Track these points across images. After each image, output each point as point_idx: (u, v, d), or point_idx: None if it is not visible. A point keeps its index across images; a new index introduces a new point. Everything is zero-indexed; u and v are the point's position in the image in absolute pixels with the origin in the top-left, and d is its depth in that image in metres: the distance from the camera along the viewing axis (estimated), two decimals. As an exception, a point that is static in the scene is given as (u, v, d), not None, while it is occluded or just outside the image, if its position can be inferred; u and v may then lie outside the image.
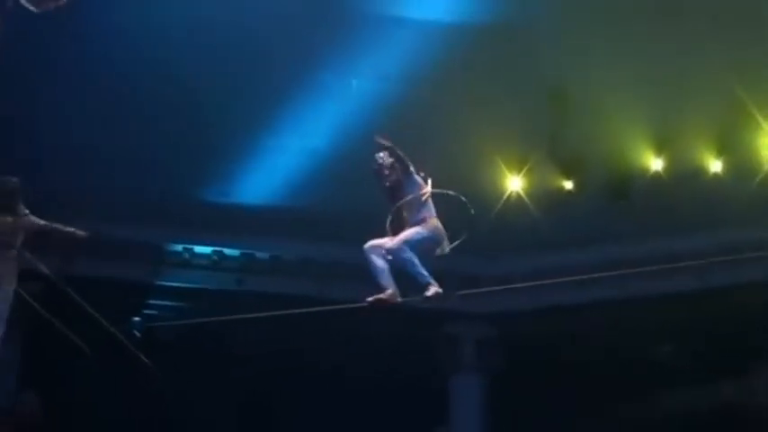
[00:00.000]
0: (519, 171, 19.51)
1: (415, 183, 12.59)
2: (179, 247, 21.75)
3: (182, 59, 18.00)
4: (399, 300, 12.41)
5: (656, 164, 19.47)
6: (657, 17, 17.63)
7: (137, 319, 18.26)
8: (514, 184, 19.62)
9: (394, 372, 21.76)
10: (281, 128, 19.49)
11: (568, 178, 19.64)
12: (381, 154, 12.59)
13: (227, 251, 21.85)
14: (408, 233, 12.38)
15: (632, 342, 21.51)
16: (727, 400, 22.24)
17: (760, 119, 18.74)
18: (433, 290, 12.34)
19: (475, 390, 22.61)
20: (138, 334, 14.62)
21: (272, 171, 20.25)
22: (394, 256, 12.30)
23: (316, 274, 21.03)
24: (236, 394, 22.50)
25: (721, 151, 19.36)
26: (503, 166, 19.46)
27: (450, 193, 12.81)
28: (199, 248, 21.80)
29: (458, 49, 18.02)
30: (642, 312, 21.06)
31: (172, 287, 21.79)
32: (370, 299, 12.41)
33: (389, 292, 12.32)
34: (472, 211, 12.82)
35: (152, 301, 21.61)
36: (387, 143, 12.41)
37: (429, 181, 12.67)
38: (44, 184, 17.84)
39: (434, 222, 12.60)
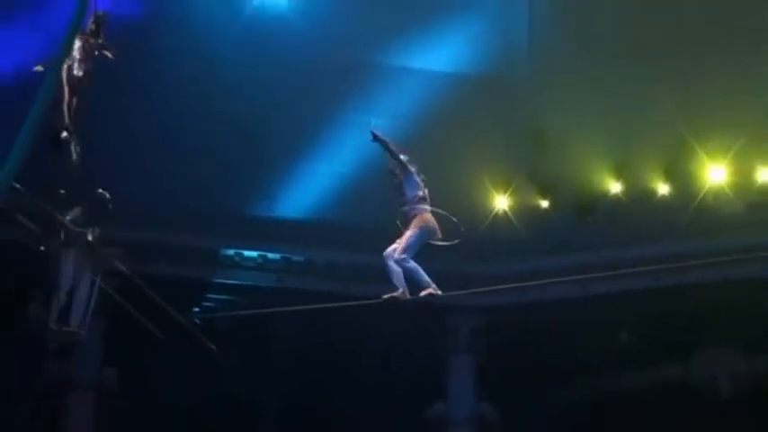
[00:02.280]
0: (505, 192, 19.58)
1: (413, 182, 12.45)
2: (231, 252, 21.63)
3: (236, 101, 18.20)
4: (408, 297, 12.42)
5: (615, 187, 19.57)
6: (615, 70, 17.77)
7: (197, 309, 18.41)
8: (501, 202, 19.70)
9: (402, 354, 21.70)
10: (314, 155, 19.61)
11: (545, 198, 19.67)
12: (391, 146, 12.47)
13: (269, 255, 21.72)
14: (404, 240, 12.32)
15: (595, 331, 21.44)
16: (673, 379, 22.15)
17: (700, 151, 18.81)
18: (430, 290, 12.34)
19: (468, 369, 22.53)
20: (198, 322, 14.64)
21: (306, 190, 20.34)
22: (399, 266, 12.32)
23: (342, 275, 20.97)
24: (278, 370, 22.43)
25: (668, 177, 19.45)
26: (491, 187, 19.53)
27: (442, 212, 12.82)
28: (247, 253, 21.68)
29: (456, 94, 18.17)
30: (603, 307, 20.97)
31: (225, 284, 21.70)
32: (384, 296, 12.44)
33: (400, 291, 12.33)
34: (462, 229, 12.85)
35: (209, 296, 21.61)
36: (380, 137, 12.29)
37: (424, 185, 12.59)
38: (123, 198, 18.15)
39: (424, 218, 12.42)
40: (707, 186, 19.13)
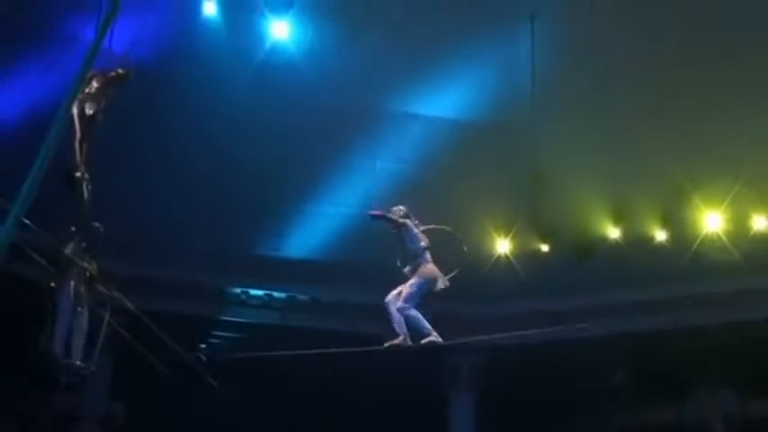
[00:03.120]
0: (506, 236, 19.43)
1: (413, 235, 12.57)
2: (237, 290, 21.63)
3: (245, 143, 18.15)
4: (409, 344, 12.42)
5: (614, 232, 19.40)
6: (613, 119, 17.73)
7: (203, 346, 18.22)
8: (503, 246, 19.52)
9: (407, 391, 21.58)
10: (320, 197, 19.51)
11: (545, 242, 19.51)
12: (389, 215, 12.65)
13: (275, 294, 21.73)
14: (406, 289, 12.41)
15: (592, 371, 21.30)
16: (668, 421, 22.01)
17: (696, 198, 18.73)
18: (431, 338, 12.38)
19: (469, 407, 22.49)
20: (204, 358, 14.48)
21: (311, 231, 20.24)
22: (401, 314, 12.35)
23: (347, 313, 20.91)
24: (282, 404, 22.28)
25: (665, 224, 19.33)
26: (493, 232, 19.40)
27: (447, 228, 12.84)
28: (253, 291, 21.68)
29: (459, 140, 18.12)
30: (601, 348, 20.87)
31: (231, 321, 21.67)
32: (386, 344, 12.49)
33: (401, 338, 12.36)
34: (465, 248, 12.81)
35: (215, 332, 21.50)
36: (377, 215, 12.66)
37: (423, 236, 12.68)
38: (133, 236, 18.02)
39: (427, 269, 12.52)
40: (703, 233, 18.99)
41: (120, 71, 12.60)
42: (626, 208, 19.24)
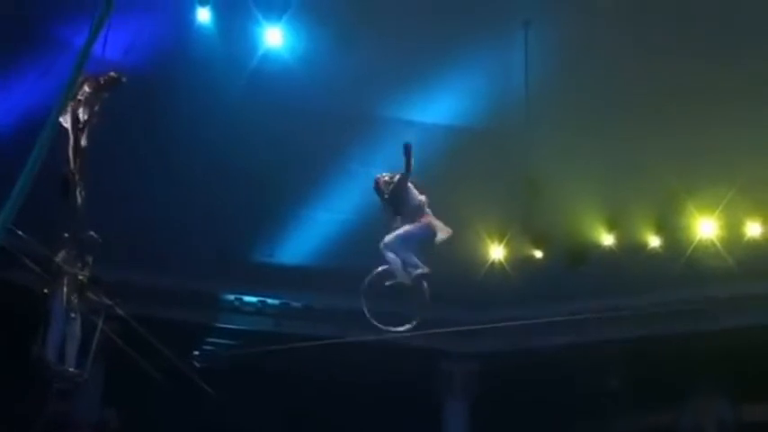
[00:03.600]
0: (500, 242, 19.41)
1: (411, 191, 12.17)
2: (231, 297, 21.67)
3: (239, 150, 18.15)
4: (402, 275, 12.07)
5: (607, 239, 19.40)
6: (607, 125, 17.76)
7: (197, 352, 18.28)
8: (496, 252, 19.51)
9: (401, 398, 21.59)
10: (314, 204, 19.51)
11: (539, 248, 19.51)
12: (379, 175, 12.33)
13: (269, 300, 21.76)
14: (401, 230, 12.03)
15: (585, 379, 21.34)
16: (662, 427, 22.04)
17: (690, 205, 18.76)
18: (420, 270, 12.00)
19: (462, 414, 22.53)
20: (197, 365, 14.53)
21: (305, 238, 20.23)
22: (388, 251, 12.00)
23: (340, 320, 20.87)
24: (276, 410, 22.30)
25: (659, 230, 19.34)
26: (487, 238, 19.40)
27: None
28: (247, 298, 21.71)
29: (453, 146, 18.07)
30: (595, 354, 20.93)
31: (225, 328, 21.70)
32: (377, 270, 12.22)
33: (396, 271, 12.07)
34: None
35: (209, 339, 21.51)
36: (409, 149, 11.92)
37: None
38: (127, 243, 18.02)
39: (426, 220, 12.17)
40: (697, 239, 19.01)
41: (112, 74, 12.62)
42: (620, 214, 19.24)
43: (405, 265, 12.07)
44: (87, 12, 12.75)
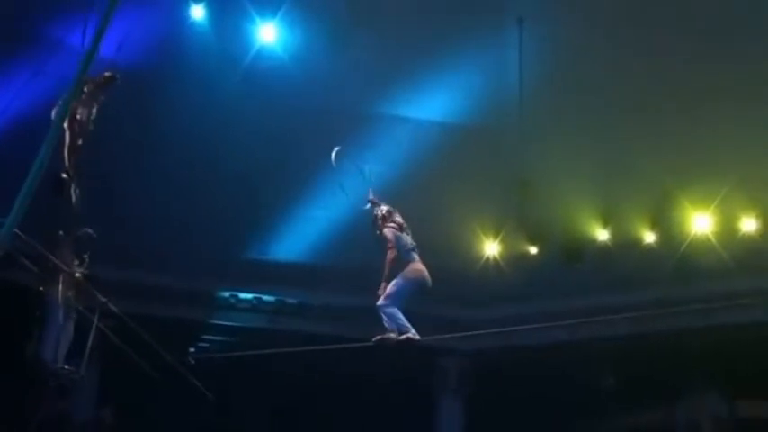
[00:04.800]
0: (494, 239, 19.51)
1: (400, 238, 12.52)
2: (226, 294, 21.69)
3: (233, 147, 18.22)
4: (393, 338, 12.30)
5: (602, 235, 19.45)
6: (601, 121, 17.83)
7: (192, 349, 18.28)
8: (491, 249, 19.60)
9: (395, 395, 21.64)
10: (308, 202, 19.55)
11: (533, 245, 19.60)
12: (375, 210, 12.76)
13: (264, 297, 21.77)
14: (389, 288, 12.25)
15: (580, 375, 21.39)
16: (657, 424, 22.06)
17: (684, 200, 18.83)
18: (407, 336, 12.26)
19: (457, 411, 22.59)
20: (192, 362, 14.57)
21: (301, 234, 20.28)
22: (381, 311, 12.28)
23: (335, 317, 20.97)
24: (272, 408, 22.34)
25: (654, 226, 19.41)
26: (482, 235, 19.49)
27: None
28: (242, 295, 21.72)
29: (448, 143, 18.17)
30: (590, 350, 20.98)
31: (220, 325, 21.73)
32: (374, 339, 12.44)
33: (389, 333, 12.30)
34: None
35: (205, 336, 21.56)
36: (374, 199, 12.77)
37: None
38: (122, 240, 18.10)
39: (412, 267, 12.43)
40: (692, 235, 19.06)
41: (107, 74, 12.71)
42: (614, 210, 19.30)
43: (398, 327, 12.35)
44: (79, 11, 12.95)
